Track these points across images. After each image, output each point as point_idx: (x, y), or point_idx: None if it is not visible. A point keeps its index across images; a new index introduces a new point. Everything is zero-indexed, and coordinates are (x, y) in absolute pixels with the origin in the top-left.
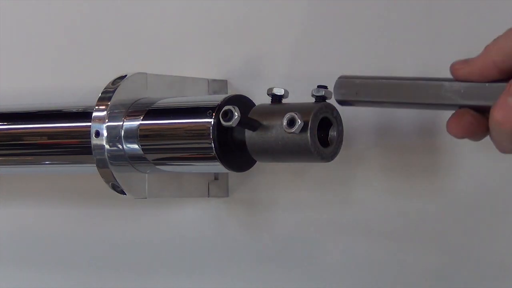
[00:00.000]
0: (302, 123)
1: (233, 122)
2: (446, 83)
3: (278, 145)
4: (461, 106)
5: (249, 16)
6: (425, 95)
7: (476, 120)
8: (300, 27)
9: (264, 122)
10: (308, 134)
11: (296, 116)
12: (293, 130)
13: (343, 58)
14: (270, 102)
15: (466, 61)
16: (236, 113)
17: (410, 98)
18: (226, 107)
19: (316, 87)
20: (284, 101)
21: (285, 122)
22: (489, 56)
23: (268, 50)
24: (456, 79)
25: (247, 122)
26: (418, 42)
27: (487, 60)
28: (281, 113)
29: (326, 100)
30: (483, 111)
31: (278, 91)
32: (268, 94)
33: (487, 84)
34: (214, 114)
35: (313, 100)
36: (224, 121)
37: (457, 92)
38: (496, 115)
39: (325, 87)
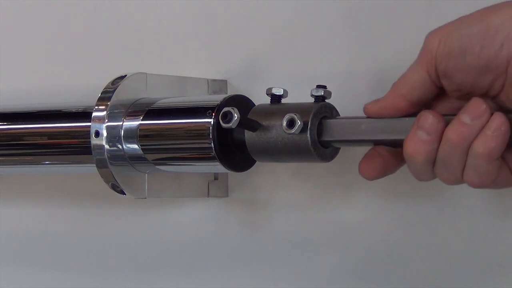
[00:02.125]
0: (302, 124)
1: (232, 124)
2: (366, 120)
3: (278, 145)
4: (376, 142)
5: (248, 16)
6: (348, 132)
7: (388, 156)
8: (300, 27)
9: (264, 123)
10: (308, 135)
11: (295, 117)
12: (292, 131)
13: (343, 58)
14: (269, 102)
15: (377, 100)
16: (235, 115)
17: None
18: (225, 109)
19: (315, 87)
20: (283, 100)
21: (284, 123)
22: (397, 90)
23: (268, 50)
24: (369, 117)
25: (247, 123)
26: (418, 42)
27: (396, 94)
28: (281, 114)
29: (326, 100)
30: (397, 146)
31: (277, 91)
32: (267, 94)
33: (400, 119)
34: (214, 114)
35: (312, 100)
36: (224, 122)
37: (378, 127)
38: (407, 148)
39: (324, 87)
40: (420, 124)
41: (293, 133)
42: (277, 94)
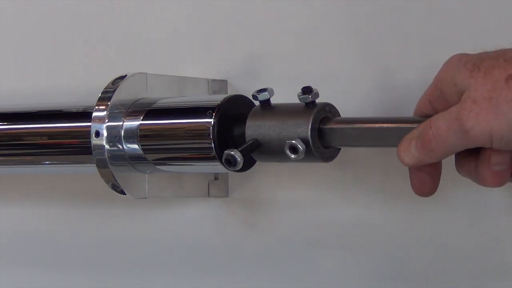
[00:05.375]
0: (305, 148)
1: (237, 166)
2: (367, 127)
3: (281, 157)
4: (377, 146)
5: (249, 16)
6: (350, 138)
7: (432, 170)
8: (299, 27)
9: (264, 140)
10: (312, 149)
11: (297, 145)
12: (296, 156)
13: (343, 58)
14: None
15: (412, 154)
16: (238, 158)
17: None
18: (226, 154)
19: (301, 92)
20: (272, 99)
21: (287, 151)
22: (436, 155)
23: (268, 50)
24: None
25: (249, 149)
26: (418, 42)
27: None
28: (279, 133)
29: (316, 100)
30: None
31: (264, 97)
32: (254, 99)
33: (397, 127)
34: (214, 114)
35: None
36: (230, 167)
37: (379, 135)
38: (491, 184)
39: (310, 90)
40: (495, 161)
41: (296, 158)
42: (264, 100)
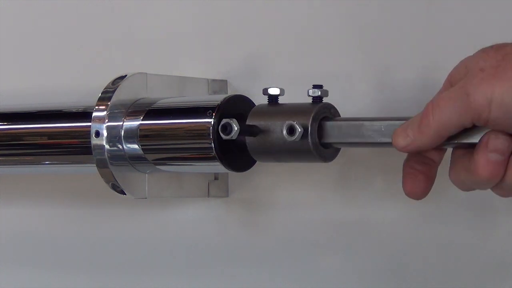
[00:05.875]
0: (302, 130)
1: (233, 135)
2: (366, 123)
3: (279, 149)
4: (377, 145)
5: (249, 16)
6: (349, 134)
7: (427, 169)
8: (299, 27)
9: (264, 127)
10: (310, 141)
11: (295, 125)
12: (293, 138)
13: (343, 58)
14: (267, 102)
15: (406, 134)
16: (235, 126)
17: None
18: (224, 121)
19: (312, 87)
20: (280, 99)
21: (285, 131)
22: (437, 132)
23: (268, 50)
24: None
25: (247, 130)
26: (418, 42)
27: (436, 136)
28: (280, 117)
29: (323, 99)
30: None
31: (274, 91)
32: (264, 94)
33: (399, 123)
34: (214, 114)
35: (310, 100)
36: (224, 134)
37: (378, 130)
38: (483, 172)
39: (320, 87)
40: (492, 147)
41: (294, 140)
42: (274, 94)
